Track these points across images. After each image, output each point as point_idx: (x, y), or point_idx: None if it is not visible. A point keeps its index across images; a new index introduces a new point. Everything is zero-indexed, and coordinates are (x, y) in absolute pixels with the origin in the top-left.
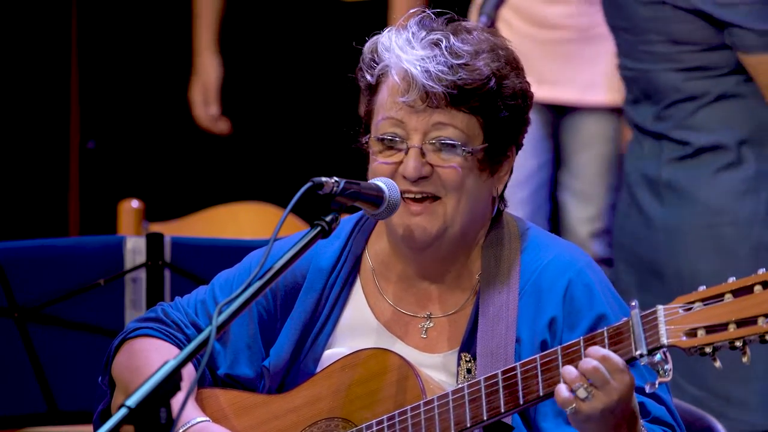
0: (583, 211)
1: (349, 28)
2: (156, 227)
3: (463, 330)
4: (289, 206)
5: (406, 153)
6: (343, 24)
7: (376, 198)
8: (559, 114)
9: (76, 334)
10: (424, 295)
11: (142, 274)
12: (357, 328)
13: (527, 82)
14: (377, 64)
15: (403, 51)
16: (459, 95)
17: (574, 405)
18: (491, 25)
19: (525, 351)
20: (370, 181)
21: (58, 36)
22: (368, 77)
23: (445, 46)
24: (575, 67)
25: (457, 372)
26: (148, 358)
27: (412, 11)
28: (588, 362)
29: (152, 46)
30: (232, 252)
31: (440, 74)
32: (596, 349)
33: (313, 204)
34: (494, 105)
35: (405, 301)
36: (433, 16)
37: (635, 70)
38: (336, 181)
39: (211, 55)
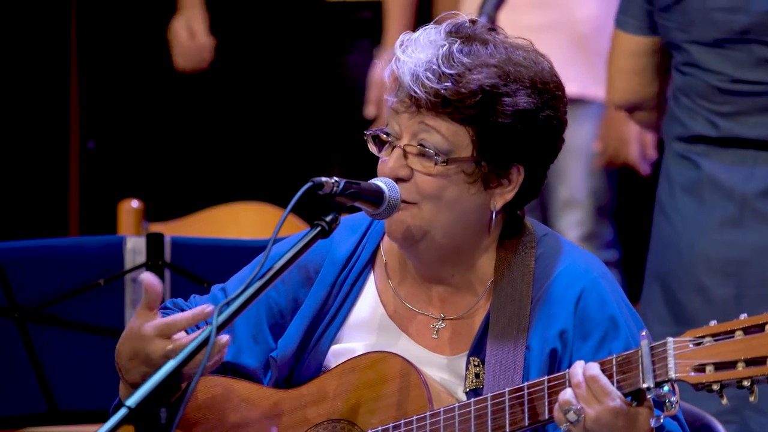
0: (572, 215)
1: (343, 31)
2: (156, 227)
3: (473, 334)
4: (289, 206)
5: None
6: (342, 25)
7: (375, 198)
8: None
9: (76, 334)
10: (436, 296)
11: (142, 274)
12: (367, 322)
13: (549, 105)
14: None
15: (404, 52)
16: (441, 104)
17: (566, 425)
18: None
19: (534, 360)
20: (370, 181)
21: (58, 36)
22: (388, 70)
23: (443, 54)
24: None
25: (466, 376)
26: None
27: (450, 12)
28: (576, 376)
29: (152, 46)
30: (232, 252)
31: (425, 81)
32: (589, 366)
33: (313, 204)
34: (484, 120)
35: (417, 299)
36: (468, 22)
37: (759, 83)
38: (336, 181)
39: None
